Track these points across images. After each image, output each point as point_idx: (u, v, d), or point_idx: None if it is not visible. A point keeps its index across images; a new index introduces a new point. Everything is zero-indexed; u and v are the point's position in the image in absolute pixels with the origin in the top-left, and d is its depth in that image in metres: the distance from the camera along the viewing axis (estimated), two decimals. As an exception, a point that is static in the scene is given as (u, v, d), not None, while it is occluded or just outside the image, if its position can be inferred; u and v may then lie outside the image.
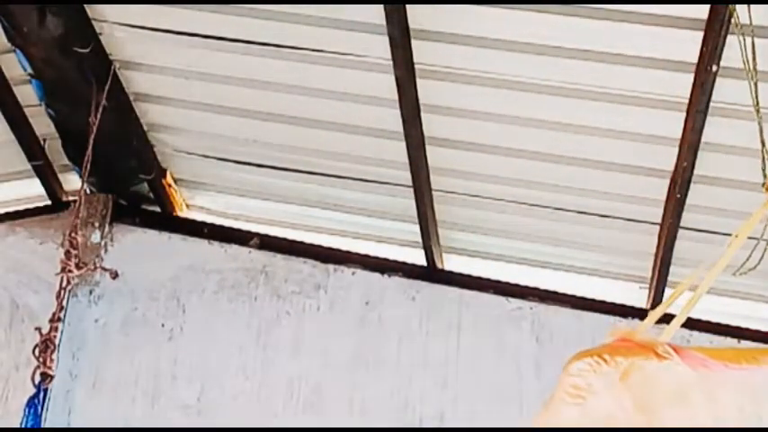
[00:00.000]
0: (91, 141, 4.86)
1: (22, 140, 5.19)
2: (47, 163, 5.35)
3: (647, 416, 2.61)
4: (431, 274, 5.32)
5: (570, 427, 2.60)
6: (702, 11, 3.66)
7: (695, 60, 3.84)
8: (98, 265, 5.26)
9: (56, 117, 5.01)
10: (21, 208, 5.58)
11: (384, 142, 4.75)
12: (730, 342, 4.81)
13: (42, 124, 5.13)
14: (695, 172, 4.30)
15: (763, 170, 3.16)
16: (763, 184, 3.12)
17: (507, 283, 5.28)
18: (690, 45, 3.81)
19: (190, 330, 5.25)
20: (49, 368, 4.82)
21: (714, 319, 5.02)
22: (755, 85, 3.23)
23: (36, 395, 4.75)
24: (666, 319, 2.77)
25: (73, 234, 5.00)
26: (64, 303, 4.97)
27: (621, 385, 2.59)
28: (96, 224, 5.36)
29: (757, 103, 3.22)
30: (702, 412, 2.62)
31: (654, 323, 2.84)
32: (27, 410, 4.73)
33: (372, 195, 5.14)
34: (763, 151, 3.18)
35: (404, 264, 5.36)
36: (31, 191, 5.52)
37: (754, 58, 3.25)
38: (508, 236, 5.20)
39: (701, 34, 3.74)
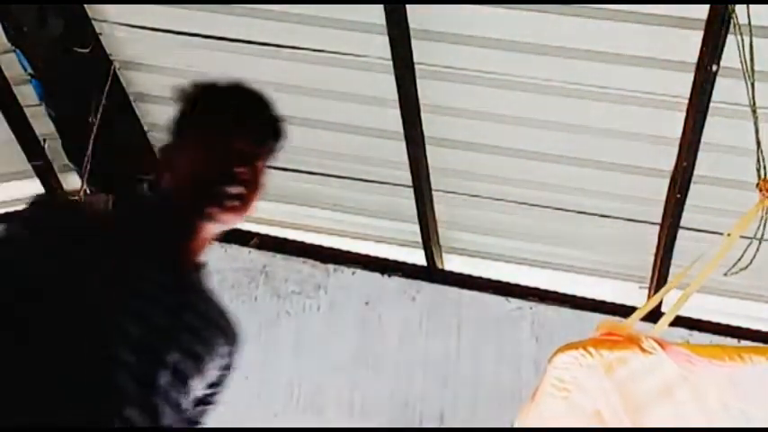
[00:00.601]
0: (91, 141, 4.86)
1: (22, 140, 5.19)
2: (47, 163, 5.34)
3: (632, 411, 2.62)
4: (431, 274, 5.32)
5: (563, 427, 2.61)
6: (702, 11, 3.66)
7: (695, 60, 3.84)
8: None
9: (56, 117, 5.01)
10: (21, 208, 5.57)
11: (384, 142, 4.75)
12: (730, 342, 4.80)
13: (42, 124, 5.12)
14: (695, 172, 4.30)
15: (758, 170, 3.16)
16: (757, 185, 3.13)
17: (507, 283, 5.29)
18: (690, 45, 3.81)
19: (190, 330, 5.25)
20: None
21: (714, 319, 5.02)
22: (752, 85, 3.23)
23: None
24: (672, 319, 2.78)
25: (73, 234, 4.99)
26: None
27: (607, 379, 2.60)
28: (96, 224, 5.35)
29: (754, 104, 3.22)
30: (687, 408, 2.63)
31: (640, 318, 2.85)
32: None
33: (372, 195, 5.14)
34: (758, 151, 3.18)
35: (404, 264, 5.36)
36: (31, 191, 5.52)
37: (752, 59, 3.25)
38: (508, 236, 5.20)
39: (700, 34, 3.74)
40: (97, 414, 1.76)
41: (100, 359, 1.79)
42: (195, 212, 2.02)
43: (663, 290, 3.19)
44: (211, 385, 2.07)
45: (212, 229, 2.08)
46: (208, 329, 2.02)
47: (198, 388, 1.99)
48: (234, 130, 2.05)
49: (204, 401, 2.08)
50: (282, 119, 2.15)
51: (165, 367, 1.86)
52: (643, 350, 2.57)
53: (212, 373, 2.04)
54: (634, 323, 2.77)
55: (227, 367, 2.13)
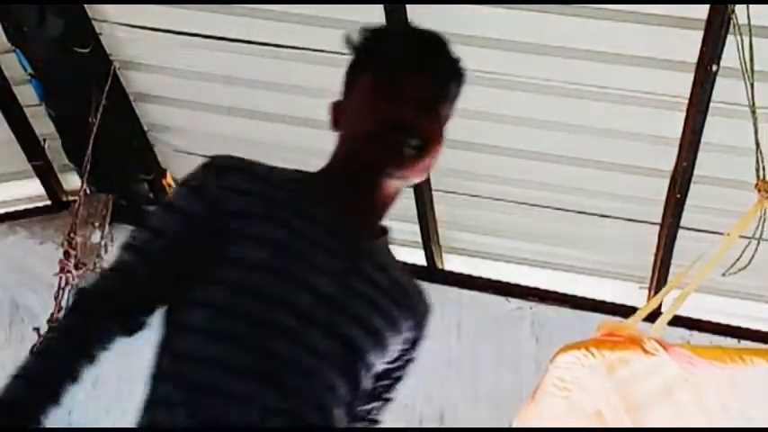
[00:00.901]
0: (91, 141, 4.85)
1: (22, 140, 5.19)
2: (47, 163, 5.35)
3: (633, 411, 2.62)
4: (431, 274, 5.31)
5: (563, 427, 2.61)
6: (702, 11, 3.67)
7: (695, 60, 3.84)
8: (98, 265, 5.25)
9: (56, 117, 5.01)
10: (21, 208, 5.59)
11: (384, 142, 4.74)
12: (730, 342, 4.80)
13: (42, 124, 5.13)
14: (695, 172, 4.31)
15: (757, 171, 3.16)
16: (756, 185, 3.13)
17: (507, 283, 5.28)
18: (690, 45, 3.81)
19: (190, 330, 5.24)
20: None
21: (714, 319, 5.02)
22: (752, 85, 3.23)
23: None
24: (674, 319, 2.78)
25: (72, 234, 4.99)
26: (63, 303, 4.96)
27: (608, 379, 2.60)
28: (96, 224, 5.35)
29: (753, 104, 3.22)
30: (688, 408, 2.63)
31: (642, 319, 2.85)
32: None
33: (372, 195, 5.13)
34: (757, 152, 3.18)
35: (404, 264, 5.34)
36: (31, 191, 5.52)
37: (751, 59, 3.25)
38: (508, 236, 5.19)
39: (700, 34, 3.74)
40: (260, 384, 1.64)
41: (268, 326, 1.67)
42: (371, 170, 1.82)
43: (663, 290, 3.19)
44: (395, 360, 1.89)
45: (393, 186, 1.85)
46: (386, 300, 1.84)
47: (379, 363, 1.82)
48: (408, 74, 1.82)
49: (387, 376, 1.91)
50: (461, 59, 1.87)
51: (337, 339, 1.70)
52: (645, 351, 2.57)
53: (394, 347, 1.85)
54: (635, 324, 2.77)
55: (413, 342, 1.92)
